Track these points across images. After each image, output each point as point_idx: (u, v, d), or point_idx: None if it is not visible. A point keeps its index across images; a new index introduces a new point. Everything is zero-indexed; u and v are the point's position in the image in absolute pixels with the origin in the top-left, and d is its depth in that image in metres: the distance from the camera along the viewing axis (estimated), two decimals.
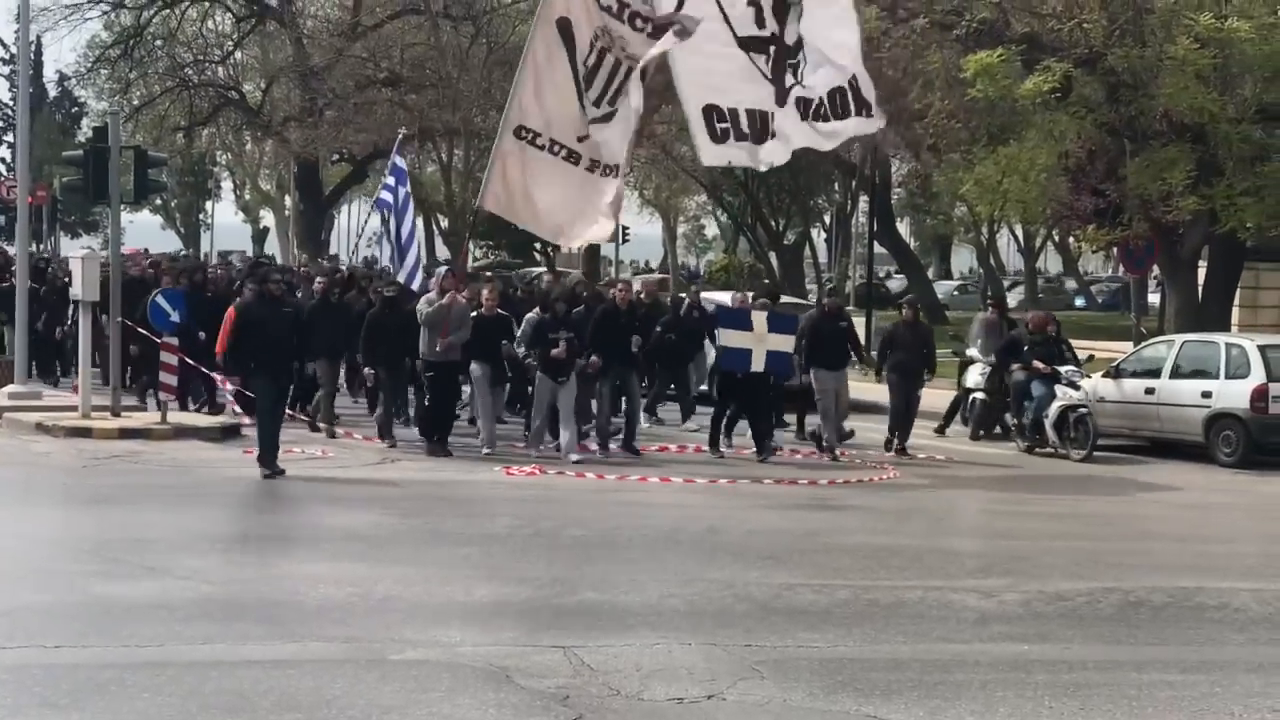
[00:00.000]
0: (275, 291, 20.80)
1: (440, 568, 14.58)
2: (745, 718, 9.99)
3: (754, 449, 23.58)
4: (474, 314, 22.95)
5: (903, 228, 74.38)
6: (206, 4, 59.40)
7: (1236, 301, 33.79)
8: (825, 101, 21.60)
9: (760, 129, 21.69)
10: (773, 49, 21.66)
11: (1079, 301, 73.92)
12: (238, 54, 62.44)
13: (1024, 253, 75.65)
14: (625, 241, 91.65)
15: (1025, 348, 25.41)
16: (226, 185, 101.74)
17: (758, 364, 23.27)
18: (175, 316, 24.96)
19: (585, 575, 14.48)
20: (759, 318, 23.65)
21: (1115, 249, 38.22)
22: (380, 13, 56.14)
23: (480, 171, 62.74)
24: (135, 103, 57.56)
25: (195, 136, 63.73)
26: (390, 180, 30.27)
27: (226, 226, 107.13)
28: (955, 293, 72.29)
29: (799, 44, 21.63)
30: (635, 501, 18.79)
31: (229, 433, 23.48)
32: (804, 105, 21.62)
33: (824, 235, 79.07)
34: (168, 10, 58.29)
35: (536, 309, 23.79)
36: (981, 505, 20.66)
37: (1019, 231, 73.10)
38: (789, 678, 10.86)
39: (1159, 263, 33.39)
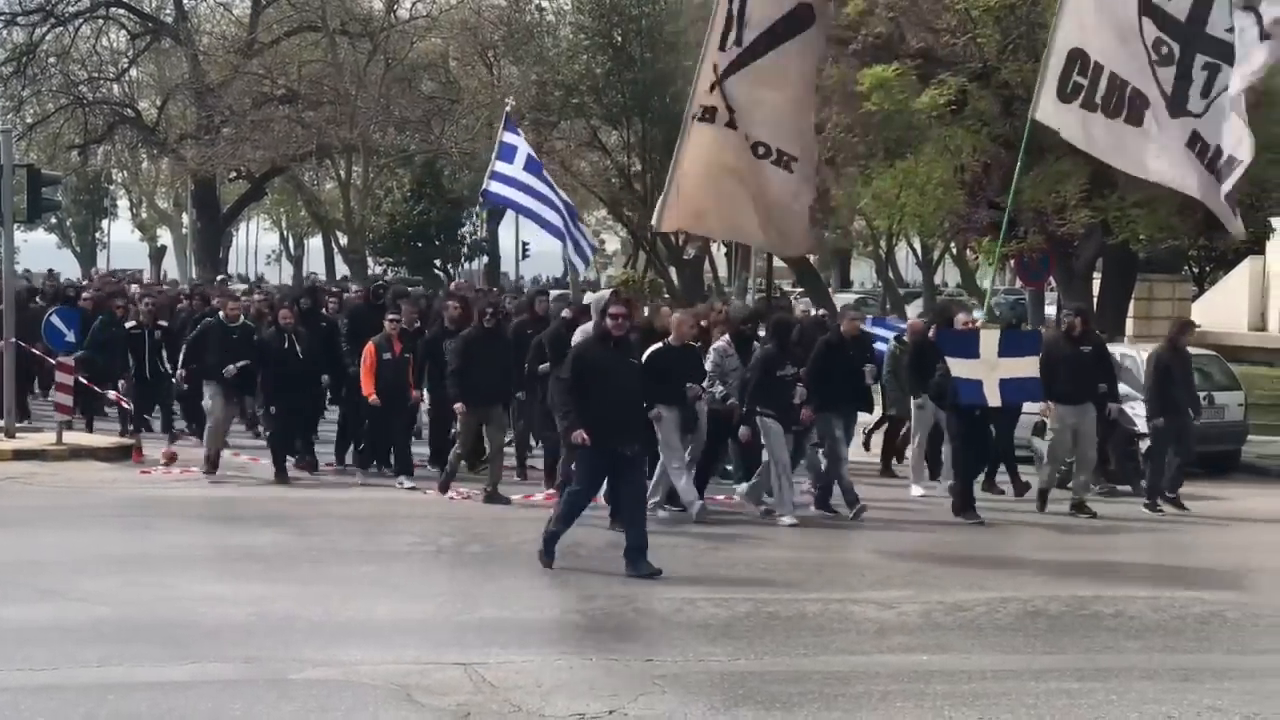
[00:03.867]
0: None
1: (340, 586, 14.51)
2: None
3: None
4: (656, 346, 18.74)
5: None
6: (101, 21, 58.84)
7: (1130, 312, 34.16)
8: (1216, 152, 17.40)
9: (1121, 105, 17.46)
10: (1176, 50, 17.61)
11: (978, 314, 74.33)
12: (133, 71, 61.89)
13: (922, 266, 76.05)
14: (526, 257, 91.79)
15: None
16: (123, 203, 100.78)
17: (992, 397, 18.78)
18: (70, 336, 24.71)
19: (486, 592, 14.47)
20: (988, 340, 18.91)
21: (1012, 262, 38.52)
22: (277, 29, 55.96)
23: (379, 189, 62.87)
24: (29, 121, 57.02)
25: (90, 154, 63.14)
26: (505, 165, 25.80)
27: (123, 245, 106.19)
28: (854, 306, 72.45)
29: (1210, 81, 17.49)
30: (537, 518, 18.64)
31: (124, 453, 23.25)
32: (1195, 138, 17.51)
33: (724, 250, 79.19)
34: (61, 27, 57.64)
35: (725, 338, 19.85)
36: (879, 516, 20.68)
37: (917, 245, 73.49)
38: (690, 692, 10.88)
39: (1055, 275, 33.70)
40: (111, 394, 24.53)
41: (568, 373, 15.92)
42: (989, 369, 18.58)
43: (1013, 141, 29.22)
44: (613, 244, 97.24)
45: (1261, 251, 46.04)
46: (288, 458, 21.57)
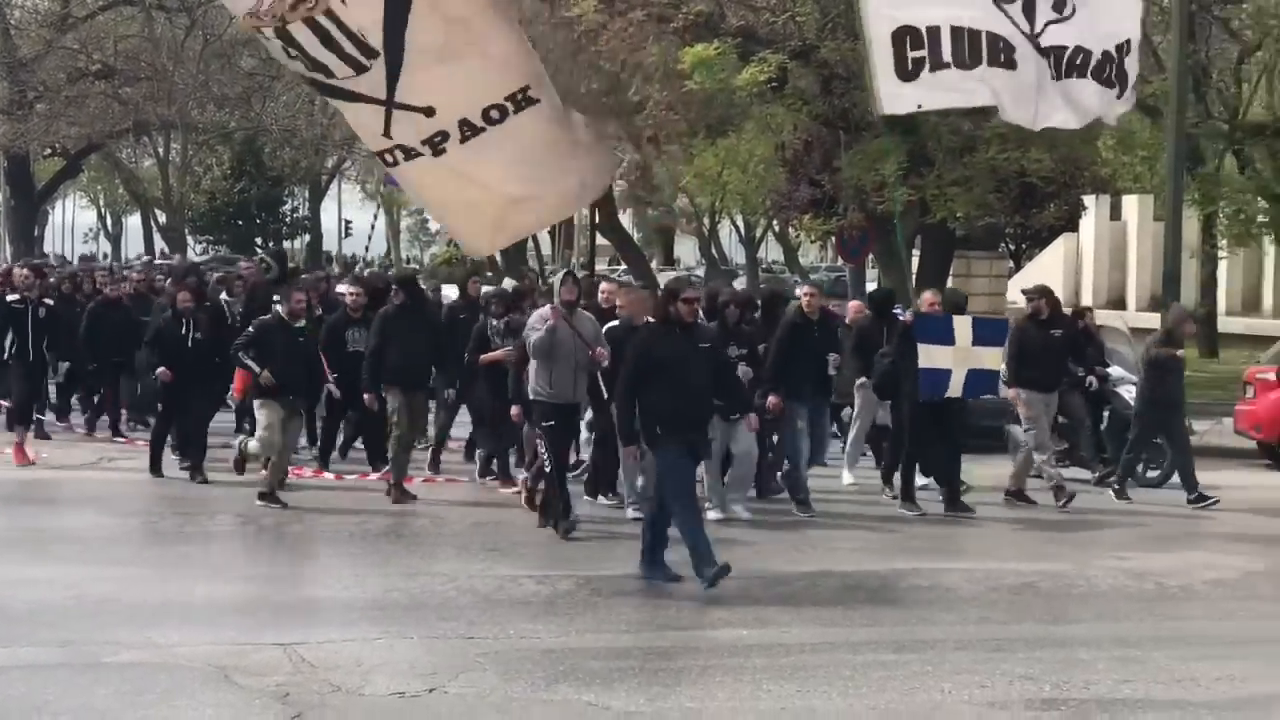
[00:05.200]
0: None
1: (159, 568, 14.36)
2: (467, 710, 10.01)
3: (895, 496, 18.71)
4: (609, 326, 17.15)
5: (625, 219, 74.74)
6: None
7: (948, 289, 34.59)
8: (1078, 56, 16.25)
9: (978, 53, 15.82)
10: None
11: (799, 291, 74.86)
12: None
13: (745, 243, 76.51)
14: (348, 235, 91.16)
15: None
16: None
17: (955, 387, 17.81)
18: None
19: (307, 572, 14.40)
20: (963, 326, 18.02)
21: (832, 239, 38.89)
22: (92, 3, 54.92)
23: (199, 166, 62.16)
24: None
25: None
26: None
27: None
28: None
29: None
30: (361, 498, 18.56)
31: None
32: (1056, 58, 16.25)
33: (547, 229, 79.15)
34: None
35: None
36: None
37: (740, 222, 73.92)
38: (511, 669, 10.90)
39: (874, 252, 34.09)
40: None
41: (631, 368, 14.15)
42: (962, 357, 17.74)
43: (832, 120, 29.57)
44: (436, 222, 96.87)
45: (1075, 229, 46.97)
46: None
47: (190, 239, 66.17)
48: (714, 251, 73.32)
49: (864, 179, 28.97)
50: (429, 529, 16.70)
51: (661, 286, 21.13)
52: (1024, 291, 20.44)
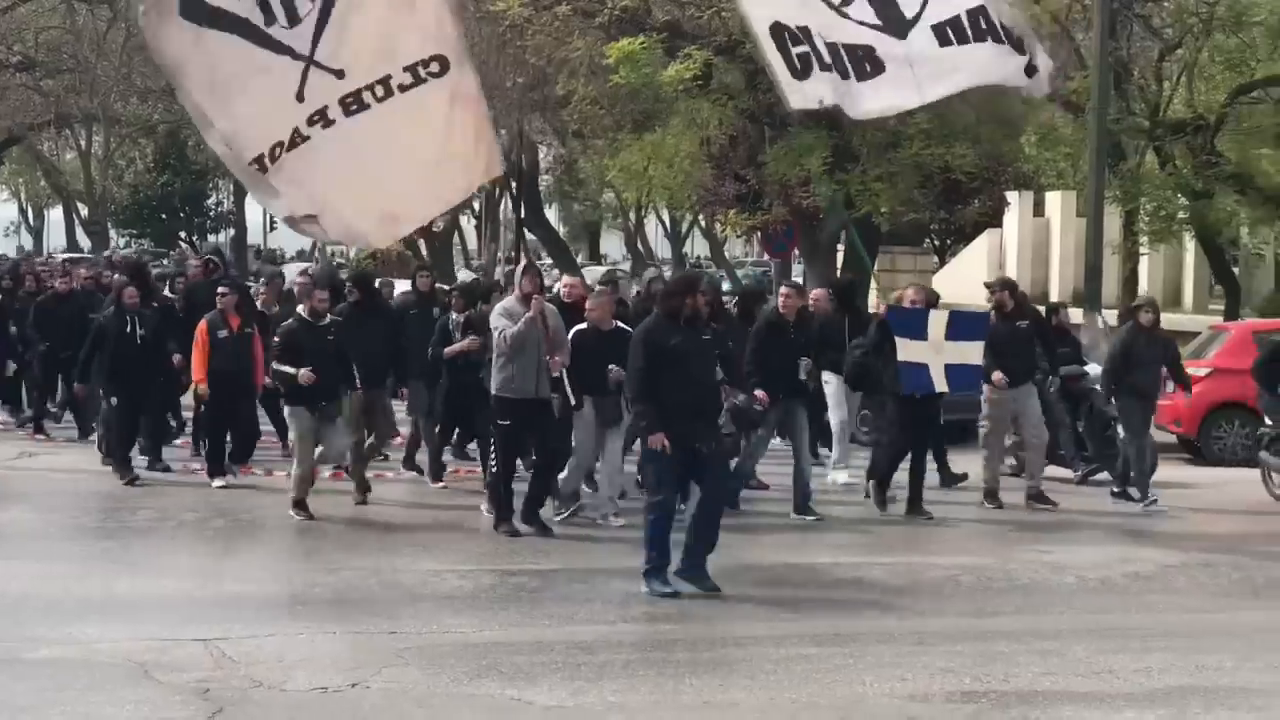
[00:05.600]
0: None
1: (79, 563, 14.27)
2: (389, 705, 9.99)
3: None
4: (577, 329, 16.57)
5: (551, 214, 74.73)
6: None
7: (873, 285, 34.71)
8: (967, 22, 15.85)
9: (842, 65, 15.59)
10: None
11: (726, 286, 75.07)
12: None
13: (671, 238, 76.64)
14: (273, 229, 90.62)
15: None
16: None
17: (937, 381, 17.50)
18: None
19: (228, 567, 14.32)
20: (937, 320, 17.73)
21: (758, 233, 39.01)
22: None
23: (121, 159, 61.70)
24: None
25: None
26: None
27: None
28: (602, 282, 72.68)
29: None
30: (282, 491, 18.41)
31: None
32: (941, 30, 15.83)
33: (473, 222, 79.01)
34: None
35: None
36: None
37: (666, 216, 74.03)
38: (434, 664, 10.89)
39: (799, 246, 34.20)
40: None
41: (641, 360, 13.57)
42: (935, 352, 17.41)
43: (758, 114, 29.66)
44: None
45: (999, 225, 47.24)
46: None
47: (113, 233, 65.71)
48: (640, 246, 73.42)
49: (789, 174, 29.08)
50: (353, 524, 16.64)
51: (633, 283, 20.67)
52: (986, 284, 20.24)
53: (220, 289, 19.09)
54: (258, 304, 20.74)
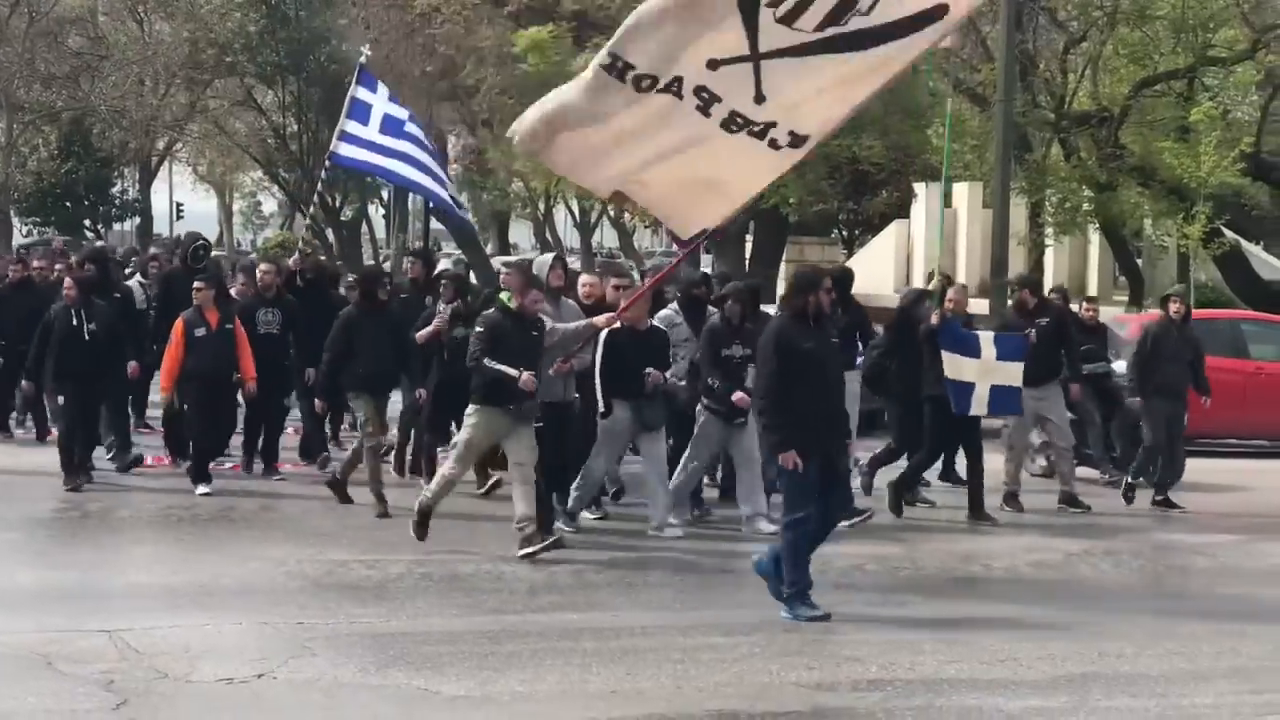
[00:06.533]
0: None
1: None
2: (295, 696, 9.96)
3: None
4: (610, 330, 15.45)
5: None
6: None
7: (781, 275, 34.89)
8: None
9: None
10: None
11: (637, 276, 75.15)
12: None
13: (580, 228, 76.57)
14: (180, 218, 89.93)
15: None
16: None
17: (979, 402, 16.99)
18: None
19: (134, 557, 14.24)
20: (987, 340, 17.08)
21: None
22: None
23: (25, 146, 60.94)
24: None
25: None
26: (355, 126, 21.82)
27: None
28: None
29: None
30: (189, 484, 18.23)
31: None
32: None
33: (382, 211, 78.76)
34: None
35: (673, 304, 17.13)
36: None
37: (575, 206, 73.99)
38: (341, 654, 10.86)
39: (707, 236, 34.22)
40: None
41: (773, 364, 12.42)
42: (985, 372, 16.87)
43: None
44: (269, 205, 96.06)
45: (906, 216, 47.48)
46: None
47: (16, 221, 64.94)
48: (549, 236, 73.35)
49: None
50: (259, 514, 16.55)
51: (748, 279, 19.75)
52: (1007, 283, 19.95)
53: (196, 283, 17.95)
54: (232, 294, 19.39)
